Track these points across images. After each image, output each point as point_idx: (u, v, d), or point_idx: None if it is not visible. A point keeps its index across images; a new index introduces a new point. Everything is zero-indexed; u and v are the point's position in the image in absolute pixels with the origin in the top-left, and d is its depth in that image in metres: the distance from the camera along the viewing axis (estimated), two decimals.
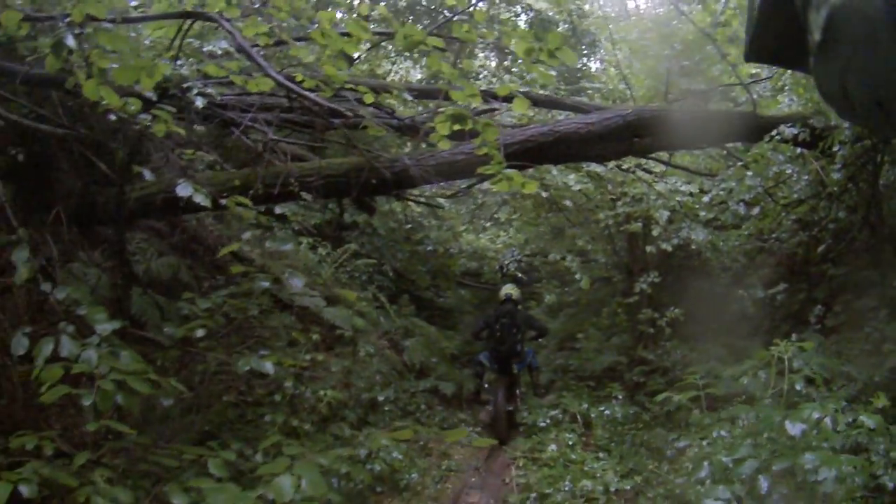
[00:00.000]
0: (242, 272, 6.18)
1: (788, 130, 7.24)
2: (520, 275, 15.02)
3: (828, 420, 4.49)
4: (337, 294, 8.96)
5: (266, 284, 6.25)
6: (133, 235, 6.85)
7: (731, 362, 6.32)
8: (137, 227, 7.14)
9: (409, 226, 14.56)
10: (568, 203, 10.19)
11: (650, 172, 9.70)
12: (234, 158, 7.96)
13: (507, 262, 14.79)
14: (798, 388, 5.07)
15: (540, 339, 10.99)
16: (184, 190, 5.04)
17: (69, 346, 4.20)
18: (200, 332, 5.56)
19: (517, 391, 10.06)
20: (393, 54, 15.15)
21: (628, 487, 6.78)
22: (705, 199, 9.16)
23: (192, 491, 4.12)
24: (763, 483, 4.14)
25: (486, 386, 10.28)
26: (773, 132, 7.23)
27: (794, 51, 0.64)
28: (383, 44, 10.93)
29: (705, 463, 4.72)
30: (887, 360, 6.62)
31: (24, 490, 3.54)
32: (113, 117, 4.98)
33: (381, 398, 9.10)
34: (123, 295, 6.15)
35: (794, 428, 4.36)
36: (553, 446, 8.15)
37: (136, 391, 4.27)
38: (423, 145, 7.64)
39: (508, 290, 10.76)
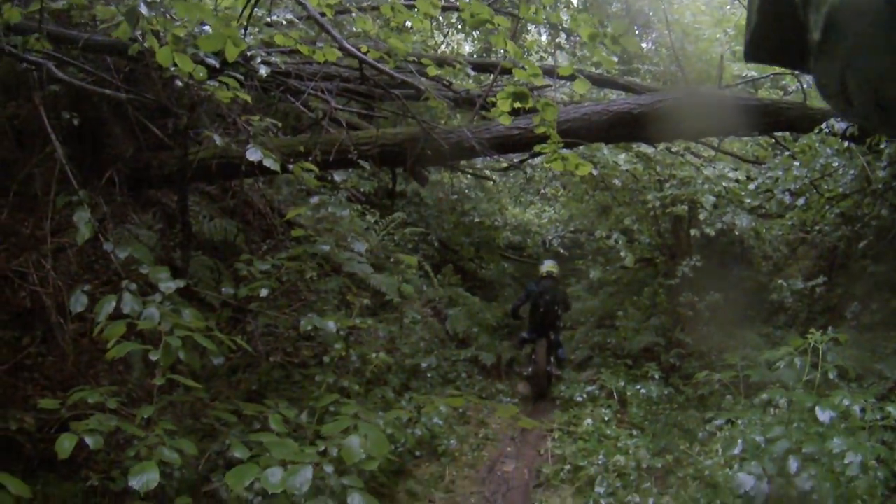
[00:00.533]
0: (302, 236, 6.31)
1: (838, 124, 7.18)
2: (562, 251, 15.08)
3: (857, 409, 4.57)
4: (385, 261, 9.11)
5: (326, 248, 6.38)
6: (188, 198, 7.02)
7: (767, 351, 6.36)
8: (190, 190, 7.30)
9: (456, 197, 14.61)
10: (616, 182, 10.21)
11: (698, 156, 9.68)
12: (288, 125, 8.09)
13: (550, 238, 14.83)
14: (831, 377, 5.13)
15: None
16: (254, 154, 5.12)
17: (132, 303, 4.28)
18: (264, 292, 5.70)
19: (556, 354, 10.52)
20: (446, 27, 15.13)
21: (659, 465, 6.88)
22: (751, 186, 9.11)
23: (252, 446, 4.26)
24: (793, 464, 4.23)
25: (525, 352, 10.90)
26: (822, 124, 7.19)
27: (794, 51, 0.65)
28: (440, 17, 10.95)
29: (739, 440, 4.81)
30: None
31: (90, 441, 3.65)
32: (179, 83, 5.11)
33: (423, 365, 9.29)
34: (183, 256, 6.33)
35: (823, 414, 4.43)
36: (588, 421, 8.26)
37: (196, 348, 4.44)
38: (476, 119, 7.70)
39: (549, 266, 11.21)
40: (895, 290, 8.37)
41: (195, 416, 5.43)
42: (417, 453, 7.24)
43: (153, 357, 4.10)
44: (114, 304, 4.27)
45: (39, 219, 5.43)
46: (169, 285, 4.55)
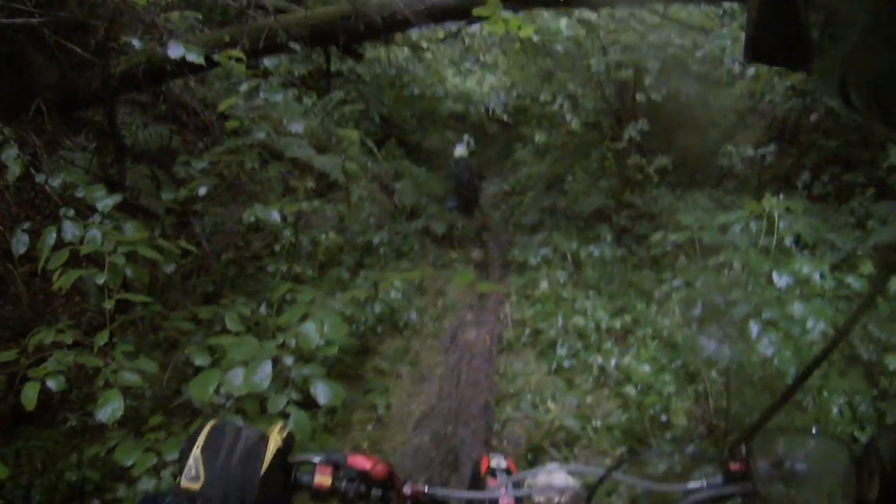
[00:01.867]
0: (237, 127, 6.03)
1: None
2: (506, 118, 14.87)
3: (816, 275, 4.54)
4: (327, 143, 8.85)
5: (263, 135, 6.10)
6: (116, 111, 6.66)
7: (721, 214, 6.36)
8: (119, 102, 6.92)
9: (395, 71, 14.18)
10: (559, 48, 9.92)
11: (643, 23, 9.40)
12: (214, 21, 7.62)
13: (493, 105, 14.59)
14: (787, 243, 5.11)
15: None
16: (175, 50, 4.72)
17: (72, 229, 4.08)
18: (203, 190, 5.43)
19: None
20: None
21: (618, 326, 6.87)
22: (699, 53, 8.97)
23: (212, 350, 4.09)
24: (753, 328, 4.20)
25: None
26: None
27: (794, 50, 0.63)
28: None
29: (699, 302, 4.78)
30: (871, 235, 6.70)
31: (52, 384, 3.48)
32: None
33: (375, 241, 9.13)
34: (118, 170, 6.01)
35: (780, 279, 4.38)
36: (545, 284, 8.20)
37: (143, 262, 4.20)
38: None
39: (460, 151, 12.46)
40: (846, 165, 8.43)
41: (155, 331, 5.28)
42: (379, 330, 7.17)
43: (99, 281, 3.90)
44: (55, 234, 4.05)
45: None
46: (105, 202, 4.31)
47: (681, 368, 5.43)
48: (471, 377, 6.58)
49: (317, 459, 1.29)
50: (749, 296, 4.37)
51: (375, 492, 1.27)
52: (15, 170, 4.33)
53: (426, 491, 1.34)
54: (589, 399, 5.76)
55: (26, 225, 4.31)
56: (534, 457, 5.09)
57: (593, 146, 11.15)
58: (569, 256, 9.01)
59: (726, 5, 8.49)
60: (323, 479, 1.25)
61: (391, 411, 5.89)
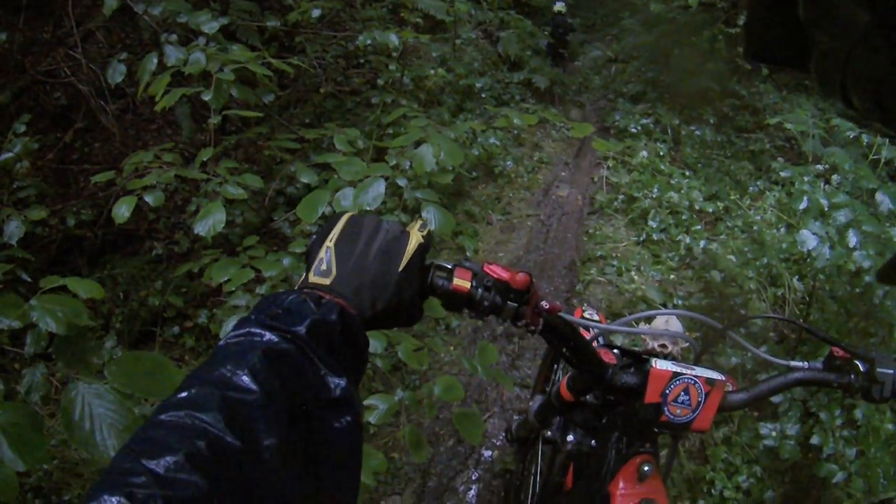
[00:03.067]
0: None
1: None
2: None
3: None
4: None
5: None
6: None
7: (822, 120, 6.05)
8: None
9: None
10: None
11: None
12: None
13: None
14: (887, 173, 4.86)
15: None
16: None
17: (175, 53, 3.81)
18: (316, 12, 5.23)
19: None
20: None
21: (710, 210, 6.71)
22: None
23: (318, 169, 3.98)
24: (853, 236, 4.06)
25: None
26: None
27: (794, 51, 0.61)
28: None
29: (805, 197, 4.63)
30: None
31: (150, 199, 3.30)
32: None
33: (478, 85, 8.93)
34: (221, 2, 5.82)
35: (884, 200, 4.22)
36: (643, 153, 7.98)
37: (248, 83, 4.04)
38: None
39: (558, 7, 13.22)
40: None
41: (251, 160, 5.22)
42: (474, 174, 7.16)
43: (205, 97, 3.68)
44: (156, 60, 3.82)
45: (59, 17, 4.93)
46: (212, 25, 4.08)
47: (765, 268, 5.35)
48: (560, 234, 6.54)
49: (451, 265, 1.18)
50: (853, 203, 4.22)
51: (511, 304, 1.17)
52: (111, 1, 3.99)
53: (562, 313, 1.25)
54: (673, 276, 5.69)
55: (122, 55, 4.16)
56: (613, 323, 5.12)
57: (706, 26, 10.64)
58: (669, 131, 8.78)
59: None
60: (462, 283, 1.15)
61: (478, 256, 5.89)
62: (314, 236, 1.10)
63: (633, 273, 5.73)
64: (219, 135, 4.38)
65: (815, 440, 3.58)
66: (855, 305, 4.23)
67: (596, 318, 2.35)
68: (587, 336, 1.64)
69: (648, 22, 12.70)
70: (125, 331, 4.64)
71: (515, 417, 4.11)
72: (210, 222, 3.26)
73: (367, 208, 3.55)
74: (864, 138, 4.89)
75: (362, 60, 7.34)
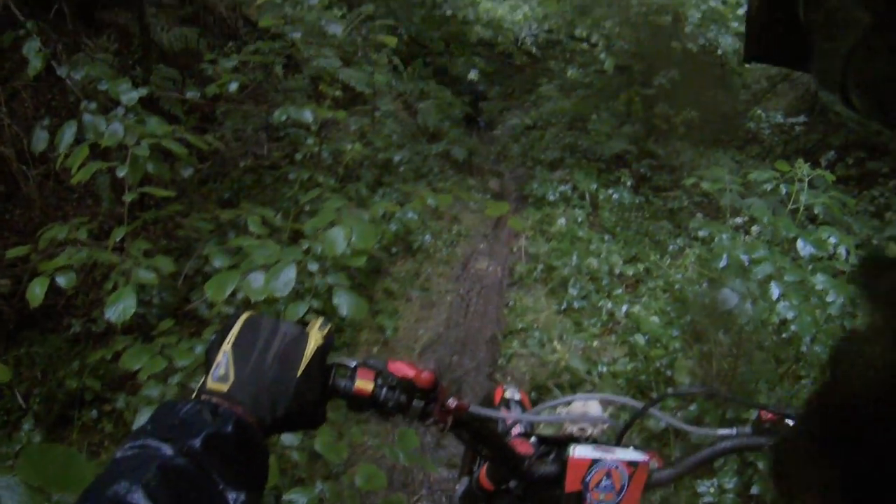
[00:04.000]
0: (271, 25, 5.82)
1: None
2: (535, 50, 14.52)
3: (843, 250, 4.38)
4: (353, 56, 8.63)
5: (298, 34, 5.93)
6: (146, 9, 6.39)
7: (742, 174, 6.22)
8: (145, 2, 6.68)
9: None
10: None
11: None
12: None
13: (524, 35, 14.24)
14: (817, 212, 4.93)
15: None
16: None
17: (94, 123, 3.81)
18: (233, 86, 5.22)
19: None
20: None
21: (631, 273, 6.72)
22: (741, 10, 8.67)
23: (230, 254, 3.88)
24: (775, 289, 4.06)
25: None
26: None
27: (794, 51, 0.61)
28: None
29: (724, 254, 4.63)
30: (888, 227, 6.53)
31: (62, 280, 3.26)
32: None
33: (396, 158, 8.91)
34: (143, 67, 5.78)
35: (805, 247, 4.24)
36: (562, 220, 8.01)
37: (165, 159, 4.02)
38: None
39: (472, 75, 13.72)
40: (872, 151, 8.23)
41: (169, 236, 5.14)
42: (393, 250, 7.06)
43: (120, 173, 3.66)
44: (74, 129, 3.79)
45: None
46: (131, 95, 4.04)
47: (689, 325, 5.33)
48: (480, 308, 6.47)
49: (354, 363, 1.12)
50: (772, 257, 4.22)
51: (417, 403, 1.12)
52: (36, 63, 4.11)
53: (470, 409, 1.19)
54: (596, 343, 5.65)
55: (45, 122, 4.11)
56: (538, 395, 5.02)
57: (621, 89, 10.88)
58: (587, 196, 8.84)
59: None
60: (365, 384, 1.08)
61: (398, 335, 5.79)
62: (214, 336, 1.05)
63: (555, 343, 5.66)
64: (137, 210, 4.26)
65: (755, 490, 3.54)
66: (783, 352, 4.23)
67: (517, 396, 2.27)
68: (511, 419, 1.62)
69: (565, 88, 12.97)
70: (42, 413, 4.51)
71: (444, 501, 3.99)
72: (120, 308, 3.22)
73: (278, 294, 3.48)
74: (782, 188, 4.95)
75: (282, 133, 7.27)
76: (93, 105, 3.92)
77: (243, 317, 1.05)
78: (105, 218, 5.28)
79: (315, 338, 1.04)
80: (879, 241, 6.25)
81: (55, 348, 4.81)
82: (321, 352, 1.04)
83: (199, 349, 3.43)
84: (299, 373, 0.99)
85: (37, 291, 3.17)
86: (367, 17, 9.06)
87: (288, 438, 3.24)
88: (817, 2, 0.55)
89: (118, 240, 3.66)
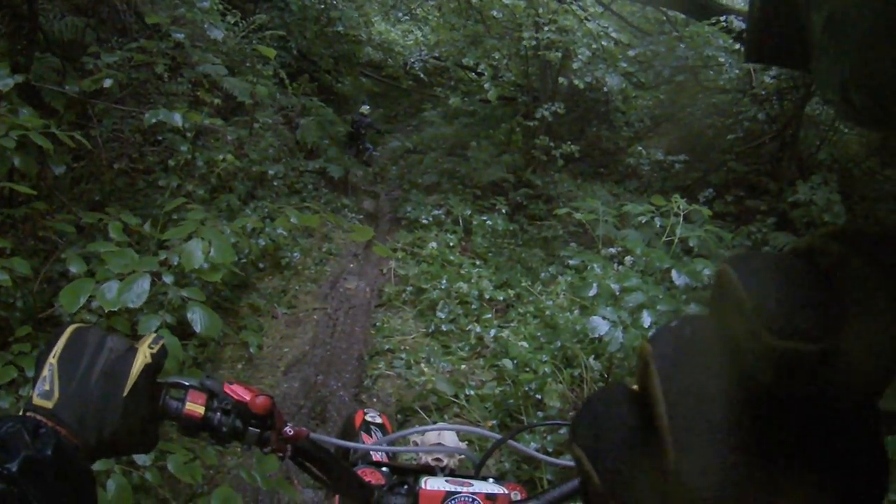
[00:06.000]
0: (158, 23, 5.62)
1: (737, 22, 7.24)
2: (422, 75, 14.63)
3: None
4: (240, 65, 8.46)
5: (181, 36, 5.76)
6: None
7: (617, 207, 6.41)
8: None
9: (323, 6, 13.63)
10: (494, 14, 9.74)
11: (584, 10, 9.33)
12: None
13: (413, 60, 14.33)
14: (681, 249, 5.10)
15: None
16: None
17: None
18: (108, 82, 5.02)
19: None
20: None
21: (501, 298, 6.80)
22: (631, 52, 8.99)
23: (89, 260, 3.75)
24: (646, 317, 4.14)
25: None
26: (723, 17, 7.18)
27: (795, 51, 0.58)
28: None
29: (594, 283, 4.70)
30: None
31: None
32: None
33: (271, 172, 8.75)
34: (26, 53, 5.48)
35: (679, 278, 4.36)
36: (433, 244, 8.06)
37: (34, 155, 3.84)
38: None
39: (363, 109, 13.50)
40: (751, 191, 8.69)
41: (34, 234, 4.85)
42: (260, 265, 6.89)
43: None
44: None
45: None
46: (6, 81, 3.85)
47: (559, 351, 5.40)
48: (347, 327, 6.39)
49: (188, 382, 1.06)
50: (644, 287, 4.32)
51: (252, 430, 1.06)
52: None
53: (309, 436, 1.14)
54: (464, 366, 5.68)
55: None
56: (403, 418, 4.96)
57: (504, 119, 11.07)
58: (461, 221, 8.90)
59: (670, 13, 8.54)
60: (195, 407, 1.02)
61: (263, 352, 5.64)
62: (42, 347, 0.98)
63: (422, 365, 5.64)
64: (3, 205, 3.97)
65: None
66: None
67: (379, 420, 2.27)
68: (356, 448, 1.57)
69: (449, 115, 13.10)
70: None
71: None
72: None
73: (131, 305, 3.35)
74: (657, 221, 5.07)
75: (160, 138, 7.01)
76: None
77: (70, 328, 0.98)
78: None
79: (143, 355, 0.98)
80: None
81: None
82: (150, 370, 0.98)
83: None
84: (125, 392, 0.93)
85: None
86: (259, 27, 8.91)
87: (141, 457, 3.06)
88: (818, 1, 0.51)
89: None
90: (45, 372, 0.91)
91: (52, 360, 0.92)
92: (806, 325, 0.42)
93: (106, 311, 3.31)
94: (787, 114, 8.21)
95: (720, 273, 0.47)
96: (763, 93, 7.88)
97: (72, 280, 3.51)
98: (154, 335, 1.03)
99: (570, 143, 9.30)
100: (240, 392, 1.06)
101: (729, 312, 0.46)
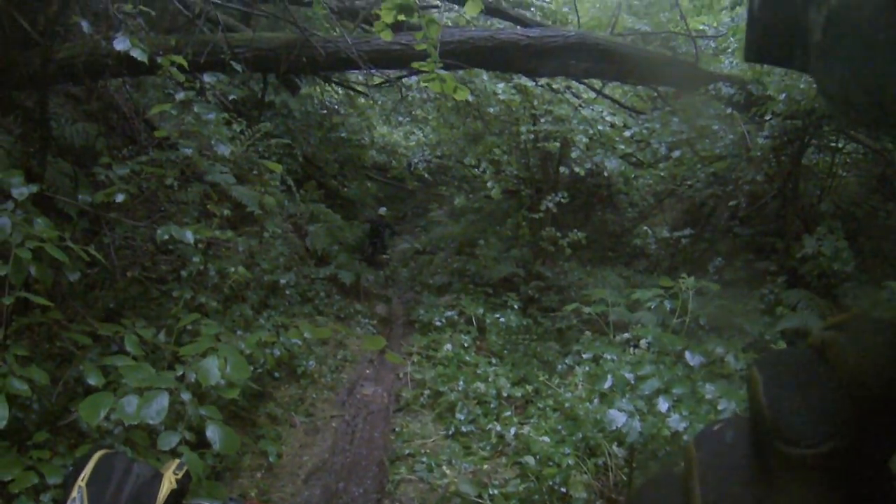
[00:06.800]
0: (165, 136, 5.83)
1: (725, 89, 7.37)
2: (427, 175, 14.92)
3: (730, 357, 4.56)
4: (248, 173, 8.66)
5: (189, 151, 5.94)
6: (49, 99, 6.32)
7: (627, 291, 6.47)
8: (53, 91, 6.59)
9: (325, 112, 13.98)
10: (491, 111, 10.01)
11: (578, 97, 9.58)
12: (161, 27, 7.37)
13: (416, 161, 14.64)
14: (695, 325, 5.14)
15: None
16: (121, 43, 4.57)
17: None
18: (120, 197, 5.17)
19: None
20: None
21: (519, 395, 6.79)
22: (627, 133, 9.19)
23: (106, 371, 3.83)
24: (663, 403, 4.15)
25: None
26: (710, 86, 7.31)
27: (794, 51, 0.63)
28: None
29: (609, 375, 4.71)
30: (780, 322, 6.86)
31: None
32: None
33: (282, 281, 8.84)
34: (39, 161, 5.67)
35: (693, 359, 4.39)
36: (448, 346, 8.09)
37: (49, 263, 3.94)
38: (356, 31, 7.37)
39: (381, 211, 14.30)
40: (759, 253, 8.70)
41: (51, 340, 4.93)
42: (276, 375, 6.91)
43: (1, 272, 3.59)
44: None
45: None
46: (21, 191, 4.02)
47: (581, 441, 5.37)
48: (366, 433, 6.37)
49: None
50: (659, 372, 4.34)
51: None
52: None
53: None
54: (486, 466, 5.64)
55: None
56: None
57: (510, 214, 11.24)
58: (474, 321, 8.95)
59: (661, 89, 8.76)
60: None
61: (282, 460, 5.61)
62: (70, 468, 1.05)
63: (444, 468, 5.61)
64: (18, 310, 4.07)
65: None
66: (679, 459, 4.24)
67: None
68: None
69: (455, 213, 13.31)
70: None
71: None
72: None
73: (150, 422, 3.40)
74: (667, 304, 5.11)
75: (171, 247, 7.14)
76: None
77: (98, 454, 1.04)
78: None
79: (169, 481, 1.04)
80: (770, 337, 6.48)
81: None
82: (176, 495, 1.04)
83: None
84: None
85: None
86: (264, 135, 9.17)
87: None
88: (818, 2, 0.55)
89: None
90: (75, 493, 0.96)
91: (81, 483, 0.97)
92: (813, 431, 0.47)
93: (126, 424, 3.38)
94: (785, 169, 8.27)
95: (749, 377, 0.53)
96: (758, 154, 7.98)
97: (89, 387, 3.60)
98: (178, 461, 1.09)
99: (576, 230, 9.45)
100: None
101: (755, 418, 0.51)
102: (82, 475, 0.98)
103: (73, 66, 5.81)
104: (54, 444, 3.73)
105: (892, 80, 0.49)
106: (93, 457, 1.02)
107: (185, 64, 5.28)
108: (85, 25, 4.86)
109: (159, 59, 5.11)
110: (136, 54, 4.58)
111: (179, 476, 1.05)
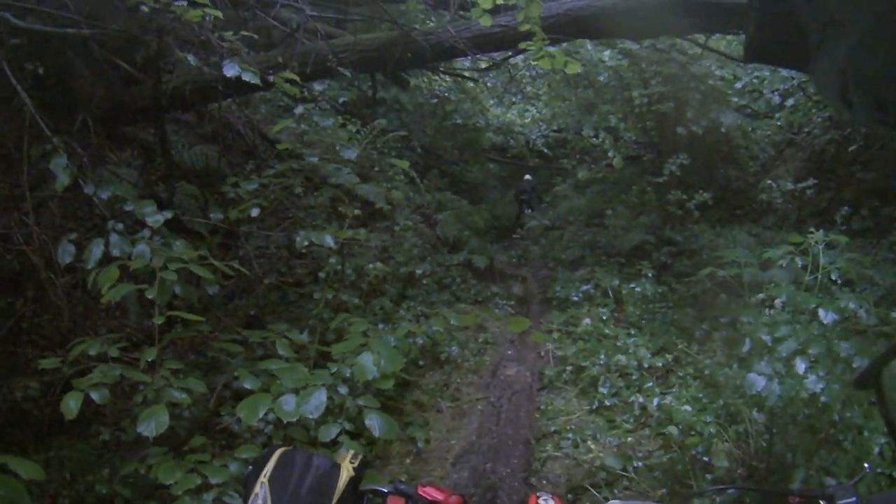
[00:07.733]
0: (287, 150, 6.16)
1: None
2: (546, 150, 14.92)
3: (862, 312, 4.49)
4: (370, 171, 8.95)
5: (315, 159, 6.21)
6: (166, 128, 6.75)
7: (758, 251, 6.34)
8: (167, 120, 7.06)
9: (436, 101, 14.18)
10: (601, 79, 9.97)
11: (684, 54, 9.41)
12: (259, 44, 7.77)
13: (534, 138, 14.67)
14: (834, 277, 5.06)
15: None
16: (231, 69, 4.84)
17: (121, 244, 4.11)
18: (255, 212, 5.50)
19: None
20: None
21: (660, 364, 6.84)
22: (738, 84, 8.96)
23: (260, 374, 4.14)
24: (801, 364, 4.13)
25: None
26: None
27: (794, 51, 0.64)
28: None
29: (747, 339, 4.71)
30: None
31: (96, 396, 3.50)
32: (145, 9, 4.76)
33: (418, 272, 9.13)
34: (167, 187, 6.09)
35: (827, 316, 4.35)
36: (587, 320, 8.20)
37: (190, 281, 4.28)
38: (454, 18, 7.51)
39: (527, 176, 15.18)
40: (884, 198, 8.34)
41: (198, 351, 5.33)
42: (420, 362, 7.19)
43: (149, 296, 3.94)
44: (102, 247, 4.10)
45: (16, 176, 5.13)
46: (156, 218, 4.36)
47: (722, 409, 5.37)
48: (511, 414, 6.56)
49: (386, 489, 1.22)
50: (795, 332, 4.32)
51: None
52: (63, 179, 4.37)
53: None
54: (630, 439, 5.72)
55: (72, 236, 4.37)
56: (574, 497, 5.06)
57: (634, 181, 11.14)
58: (610, 293, 8.99)
59: None
60: None
61: (430, 445, 5.86)
62: (250, 468, 1.18)
63: (589, 443, 5.74)
64: (165, 326, 4.47)
65: None
66: (817, 421, 4.25)
67: (552, 503, 2.39)
68: None
69: (579, 185, 13.27)
70: None
71: None
72: (153, 424, 3.47)
73: (310, 417, 3.69)
74: (798, 261, 5.06)
75: (304, 251, 7.51)
76: (120, 225, 4.24)
77: (278, 452, 1.19)
78: (133, 331, 5.48)
79: (347, 470, 1.19)
80: None
81: (84, 453, 4.89)
82: (354, 482, 1.18)
83: (234, 468, 3.61)
84: (334, 502, 1.13)
85: (71, 405, 3.41)
86: (381, 131, 9.48)
87: None
88: (817, 3, 0.58)
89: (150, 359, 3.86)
90: (258, 489, 1.11)
91: (264, 479, 1.12)
92: None
93: (284, 421, 3.68)
94: None
95: None
96: None
97: (238, 391, 3.90)
98: (352, 452, 1.24)
99: (701, 191, 9.30)
100: (433, 493, 1.22)
101: None
102: (265, 472, 1.12)
103: (181, 94, 6.19)
104: (211, 447, 4.07)
105: (891, 80, 0.51)
106: (273, 454, 1.17)
107: (296, 78, 5.52)
108: (191, 59, 5.15)
109: (271, 78, 5.36)
110: (248, 77, 4.84)
111: (356, 464, 1.19)
